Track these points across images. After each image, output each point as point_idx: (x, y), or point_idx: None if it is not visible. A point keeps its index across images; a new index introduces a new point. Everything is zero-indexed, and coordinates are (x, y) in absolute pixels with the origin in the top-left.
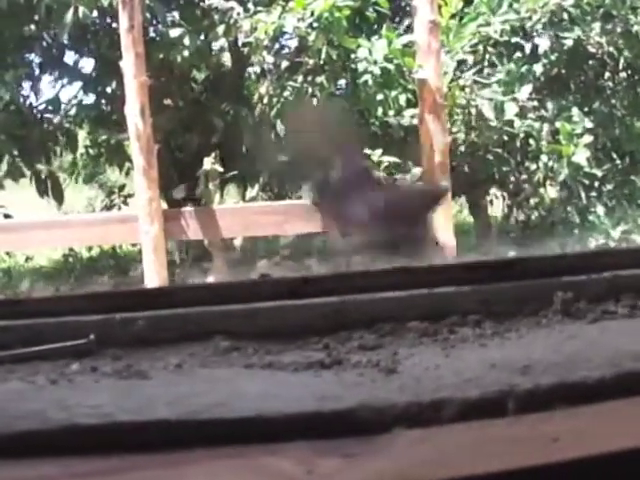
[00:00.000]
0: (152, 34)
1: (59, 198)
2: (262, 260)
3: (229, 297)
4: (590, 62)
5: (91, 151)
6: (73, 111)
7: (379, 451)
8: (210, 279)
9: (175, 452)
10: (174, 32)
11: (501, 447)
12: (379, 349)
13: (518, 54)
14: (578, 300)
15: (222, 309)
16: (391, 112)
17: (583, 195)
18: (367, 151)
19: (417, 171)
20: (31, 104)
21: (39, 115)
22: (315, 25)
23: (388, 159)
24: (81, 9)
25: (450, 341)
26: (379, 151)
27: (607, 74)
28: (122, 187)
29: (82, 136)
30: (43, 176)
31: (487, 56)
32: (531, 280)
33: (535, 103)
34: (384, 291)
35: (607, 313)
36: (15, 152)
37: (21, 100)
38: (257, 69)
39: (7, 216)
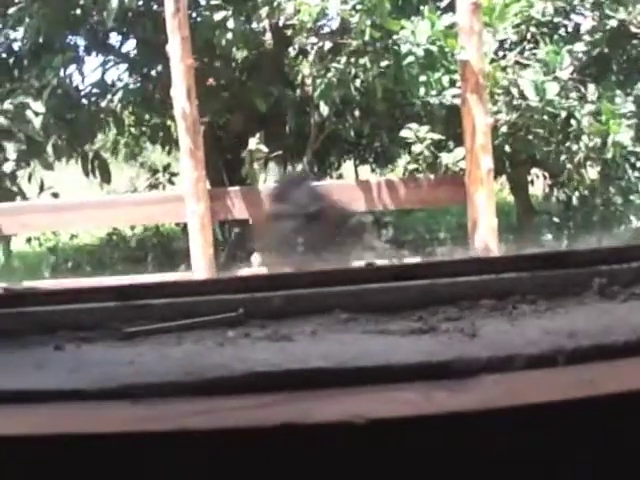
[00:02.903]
0: (195, 17)
1: (106, 177)
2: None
3: (344, 280)
4: (633, 42)
5: (134, 130)
6: (119, 93)
7: (470, 389)
8: (255, 257)
9: (331, 389)
10: (218, 15)
11: (553, 386)
12: (461, 320)
13: (561, 33)
14: (612, 285)
15: (339, 289)
16: (433, 92)
17: (630, 173)
18: (413, 126)
19: (460, 151)
20: (77, 87)
21: (85, 98)
22: (358, 7)
23: (432, 136)
24: None
25: (513, 315)
26: (425, 128)
27: None
28: (167, 166)
29: (125, 116)
30: (90, 156)
31: (529, 36)
32: (575, 269)
33: (577, 83)
34: (462, 276)
35: (634, 295)
36: (63, 134)
37: (68, 83)
38: (300, 51)
39: (55, 195)
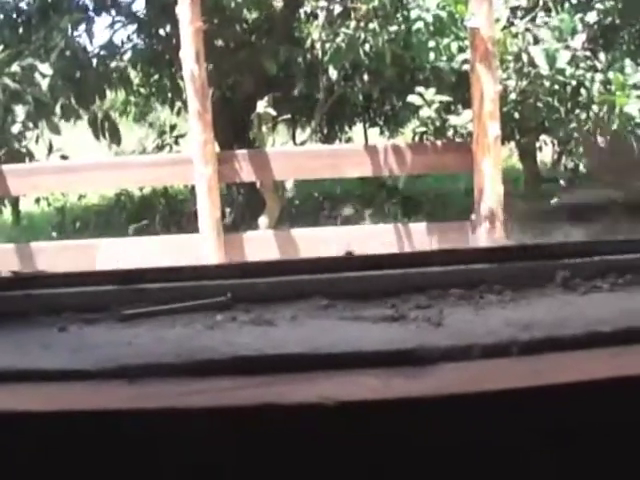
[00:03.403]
0: None
1: (115, 139)
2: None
3: (325, 268)
4: None
5: (143, 90)
6: (128, 54)
7: (427, 376)
8: (262, 220)
9: (306, 372)
10: None
11: (505, 375)
12: (430, 308)
13: (573, 1)
14: (574, 277)
15: (320, 277)
16: (443, 58)
17: (635, 145)
18: (420, 90)
19: (468, 113)
20: (85, 48)
21: (94, 59)
22: None
23: (440, 98)
24: None
25: (480, 304)
26: (432, 90)
27: None
28: (174, 127)
29: (133, 75)
30: (99, 118)
31: (541, 3)
32: (540, 261)
33: (587, 53)
34: (433, 266)
35: (595, 288)
36: (71, 95)
37: (76, 45)
38: (310, 14)
39: (63, 157)
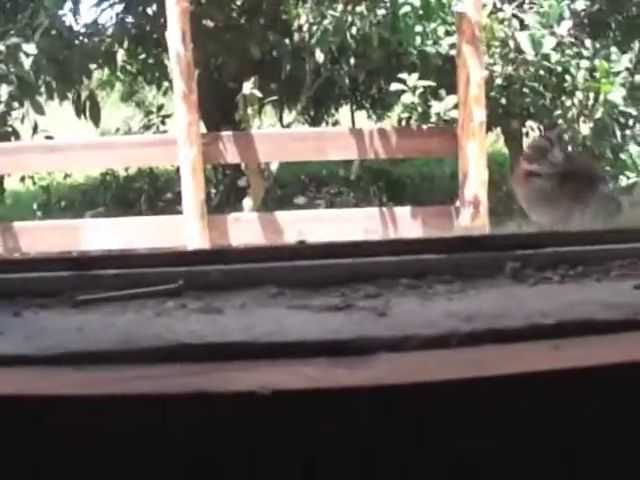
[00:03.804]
0: None
1: (96, 119)
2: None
3: (277, 256)
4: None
5: (129, 68)
6: (114, 33)
7: (366, 366)
8: (246, 202)
9: (245, 361)
10: None
11: (444, 366)
12: (378, 297)
13: None
14: (524, 269)
15: (271, 265)
16: (429, 42)
17: (618, 133)
18: (403, 76)
19: (451, 99)
20: (71, 27)
21: (80, 38)
22: None
23: (423, 83)
24: None
25: (427, 294)
26: (415, 75)
27: None
28: (160, 107)
29: (120, 54)
30: (83, 97)
31: None
32: (490, 252)
33: (573, 39)
34: (384, 256)
35: (545, 279)
36: (55, 74)
37: (61, 23)
38: None
39: (48, 138)
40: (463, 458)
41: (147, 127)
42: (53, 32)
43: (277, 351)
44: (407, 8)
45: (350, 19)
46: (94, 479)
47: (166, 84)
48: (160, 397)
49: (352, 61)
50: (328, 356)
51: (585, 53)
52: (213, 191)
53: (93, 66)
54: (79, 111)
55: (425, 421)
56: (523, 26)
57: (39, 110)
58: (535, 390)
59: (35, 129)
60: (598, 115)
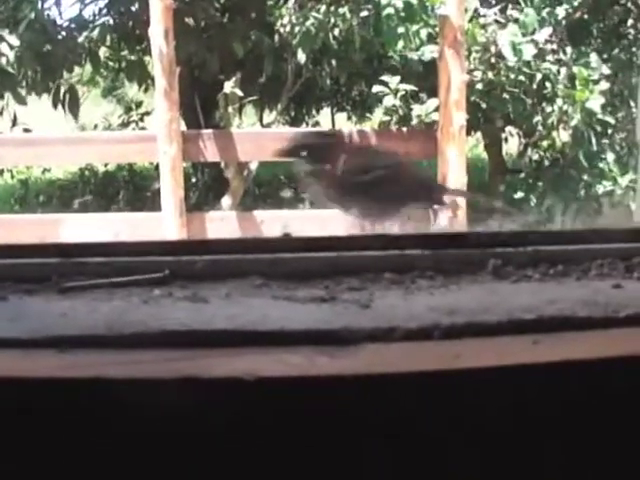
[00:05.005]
0: None
1: (75, 112)
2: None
3: (263, 248)
4: (614, 8)
5: (111, 64)
6: (97, 28)
7: (350, 356)
8: (225, 200)
9: (229, 348)
10: None
11: (426, 358)
12: (362, 291)
13: None
14: (506, 266)
15: (257, 256)
16: (412, 46)
17: (594, 141)
18: (385, 79)
19: (432, 102)
20: (55, 21)
21: (63, 32)
22: None
23: (405, 87)
24: None
25: (410, 289)
26: (397, 78)
27: (630, 21)
28: (140, 104)
29: (103, 50)
30: (63, 90)
31: None
32: (473, 249)
33: (554, 46)
34: (369, 250)
35: (525, 277)
36: (37, 68)
37: (45, 17)
38: None
39: (27, 131)
40: (443, 448)
41: (126, 124)
42: (37, 26)
43: (261, 339)
44: (390, 10)
45: (333, 20)
46: (78, 462)
47: (147, 81)
48: (145, 381)
49: (334, 62)
50: (313, 345)
51: (565, 60)
52: (192, 189)
53: (76, 61)
54: (56, 102)
55: (407, 410)
56: (504, 32)
57: (21, 101)
58: (514, 383)
59: (14, 122)
60: (574, 122)
